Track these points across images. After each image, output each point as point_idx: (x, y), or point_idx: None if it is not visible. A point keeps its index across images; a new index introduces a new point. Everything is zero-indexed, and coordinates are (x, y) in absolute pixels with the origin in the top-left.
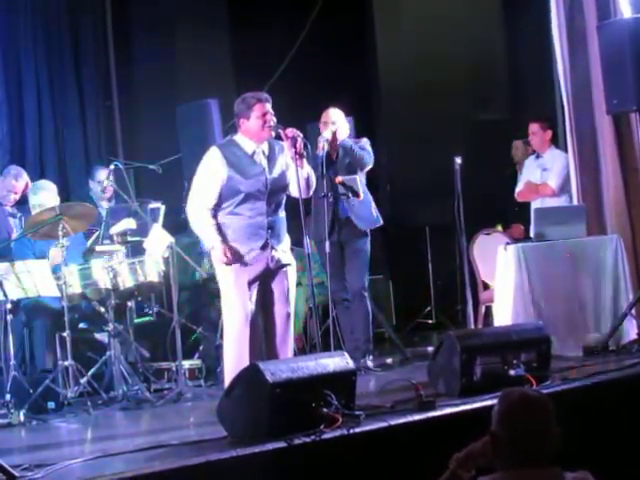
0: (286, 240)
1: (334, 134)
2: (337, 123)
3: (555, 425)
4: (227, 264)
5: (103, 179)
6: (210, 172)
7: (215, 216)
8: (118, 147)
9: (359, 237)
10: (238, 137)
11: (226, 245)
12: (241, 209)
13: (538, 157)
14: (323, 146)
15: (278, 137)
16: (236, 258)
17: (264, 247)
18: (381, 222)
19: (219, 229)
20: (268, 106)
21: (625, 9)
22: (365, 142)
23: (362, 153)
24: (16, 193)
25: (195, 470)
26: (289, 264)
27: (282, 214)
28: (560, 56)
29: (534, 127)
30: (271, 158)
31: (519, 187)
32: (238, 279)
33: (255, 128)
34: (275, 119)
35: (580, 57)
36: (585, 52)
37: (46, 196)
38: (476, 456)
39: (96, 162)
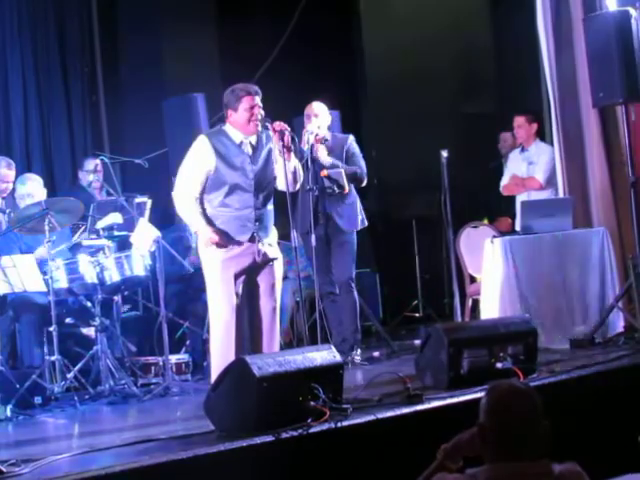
0: (273, 233)
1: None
2: (320, 116)
3: (543, 417)
4: (216, 244)
5: (91, 169)
6: (198, 160)
7: (202, 205)
8: (104, 142)
9: (344, 230)
10: (227, 127)
11: (212, 227)
12: (229, 200)
13: (523, 150)
14: (307, 139)
15: (265, 129)
16: (223, 239)
17: (251, 240)
18: (365, 224)
19: (206, 218)
20: (257, 99)
21: (610, 2)
22: (352, 147)
23: (354, 171)
24: (8, 182)
25: (183, 464)
26: (276, 258)
27: (270, 207)
28: (546, 50)
29: (520, 120)
30: (258, 149)
31: (504, 181)
32: (224, 273)
33: (242, 120)
34: (263, 112)
35: (566, 50)
36: (571, 45)
37: (34, 186)
38: (464, 447)
39: (82, 157)
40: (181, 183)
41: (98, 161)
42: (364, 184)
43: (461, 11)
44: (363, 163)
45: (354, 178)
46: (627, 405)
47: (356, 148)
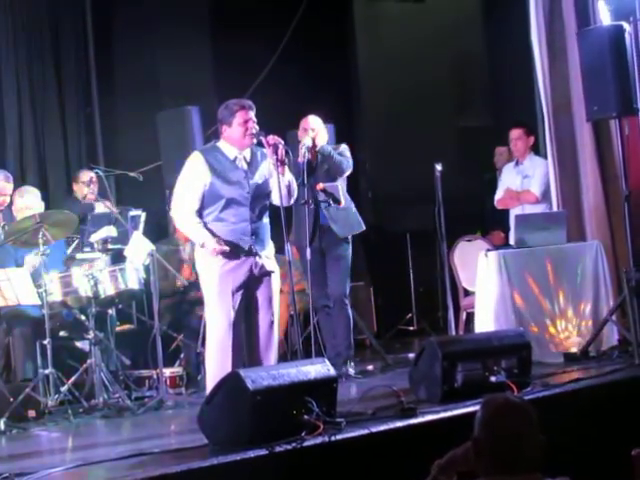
0: (270, 246)
1: (313, 141)
2: (316, 130)
3: (538, 432)
4: (221, 254)
5: (86, 181)
6: (193, 177)
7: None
8: (99, 154)
9: (340, 244)
10: (220, 143)
11: (216, 237)
12: (225, 214)
13: (517, 164)
14: (304, 153)
15: (260, 144)
16: (228, 248)
17: (248, 253)
18: (363, 228)
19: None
20: (251, 113)
21: (604, 16)
22: (344, 148)
23: (340, 159)
24: (6, 195)
25: (176, 478)
26: (273, 271)
27: (266, 220)
28: (540, 64)
29: (517, 133)
30: (253, 164)
31: (499, 194)
32: (222, 286)
33: (237, 135)
34: (257, 127)
35: (560, 64)
36: (565, 59)
37: (32, 199)
38: (458, 462)
39: (77, 170)
40: (178, 200)
41: (92, 174)
42: (347, 173)
43: (455, 25)
44: (351, 162)
45: (339, 166)
46: (621, 419)
47: (347, 151)
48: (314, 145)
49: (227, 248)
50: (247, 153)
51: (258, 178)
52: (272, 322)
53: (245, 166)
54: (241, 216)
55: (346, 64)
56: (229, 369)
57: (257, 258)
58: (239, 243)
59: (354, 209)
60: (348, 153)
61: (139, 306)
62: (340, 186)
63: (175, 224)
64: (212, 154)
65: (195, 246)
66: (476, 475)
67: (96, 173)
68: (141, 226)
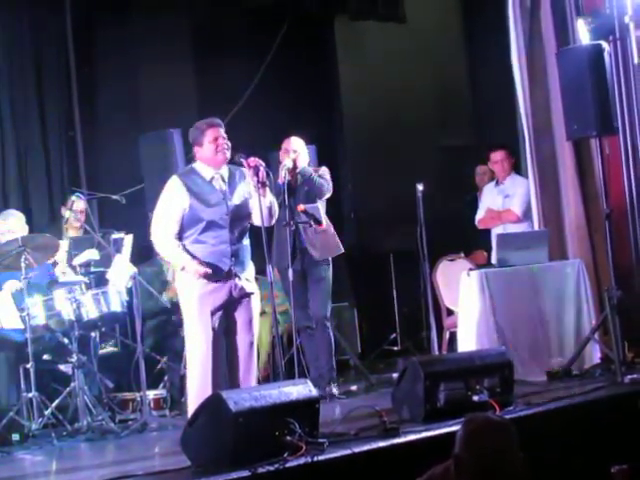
0: (250, 268)
1: (294, 162)
2: (297, 151)
3: (518, 450)
4: (203, 276)
5: (80, 208)
6: (171, 201)
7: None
8: (81, 177)
9: (320, 265)
10: (197, 165)
11: (197, 260)
12: (204, 237)
13: (498, 184)
14: (284, 175)
15: (240, 165)
16: (209, 270)
17: (228, 275)
18: (342, 250)
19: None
20: (221, 130)
21: (584, 36)
22: (324, 171)
23: (321, 182)
24: None
25: None
26: (252, 293)
27: (246, 242)
28: (520, 83)
29: (500, 155)
30: (231, 184)
31: (480, 214)
32: (201, 308)
33: (209, 153)
34: (229, 143)
35: (540, 84)
36: (545, 80)
37: (15, 222)
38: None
39: (59, 192)
40: (158, 224)
41: (74, 198)
42: (326, 196)
43: (436, 46)
44: (331, 185)
45: (320, 189)
46: (603, 437)
47: (327, 174)
48: (295, 167)
49: (209, 270)
50: (225, 172)
51: (237, 199)
52: (252, 343)
53: (223, 186)
54: (220, 238)
55: (328, 84)
56: (210, 391)
57: (237, 280)
58: (218, 265)
59: (332, 231)
60: (328, 176)
61: (122, 329)
62: (320, 207)
63: (155, 248)
64: (189, 177)
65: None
66: None
67: (77, 196)
68: (126, 249)
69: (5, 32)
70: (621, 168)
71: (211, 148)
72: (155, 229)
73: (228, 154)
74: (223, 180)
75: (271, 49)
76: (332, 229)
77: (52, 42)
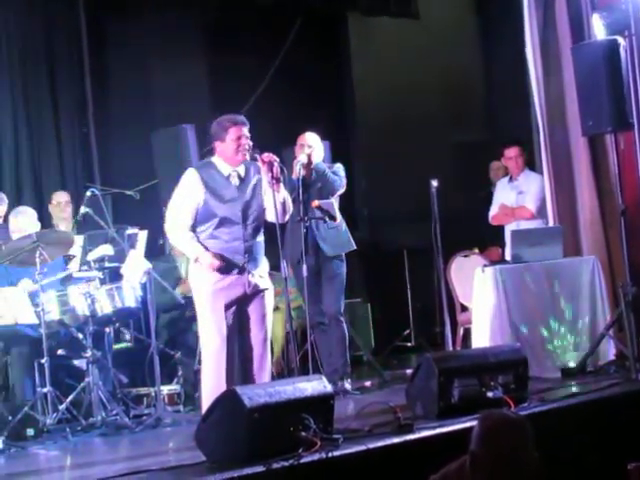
0: (264, 265)
1: (309, 157)
2: (312, 147)
3: (533, 448)
4: (216, 269)
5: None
6: (187, 193)
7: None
8: (95, 173)
9: (334, 261)
10: (215, 159)
11: (210, 252)
12: (218, 232)
13: (512, 180)
14: (298, 170)
15: (254, 160)
16: (223, 263)
17: (241, 271)
18: (353, 247)
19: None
20: (244, 130)
21: (599, 31)
22: (339, 167)
23: (334, 178)
24: (0, 217)
25: None
26: (266, 289)
27: (260, 239)
28: (535, 79)
29: (514, 151)
30: (247, 181)
31: (493, 210)
32: (214, 303)
33: (230, 151)
34: (251, 143)
35: (555, 79)
36: (560, 74)
37: (25, 221)
38: (452, 477)
39: (73, 189)
40: (172, 216)
41: (89, 193)
42: (339, 192)
43: (451, 40)
44: (344, 182)
45: (332, 185)
46: (617, 433)
47: (341, 170)
48: (309, 162)
49: (222, 262)
50: (241, 169)
51: (251, 195)
52: (265, 339)
53: (238, 182)
54: (234, 234)
55: (341, 81)
56: (224, 386)
57: (250, 276)
58: (232, 260)
59: (345, 227)
60: (342, 172)
61: (136, 324)
62: (334, 202)
63: (169, 240)
64: (207, 171)
65: (190, 262)
66: None
67: (92, 192)
68: (141, 244)
69: (19, 30)
70: (636, 164)
71: (232, 146)
72: (170, 220)
73: (248, 155)
74: (239, 177)
75: (284, 45)
76: (344, 225)
77: (65, 40)
